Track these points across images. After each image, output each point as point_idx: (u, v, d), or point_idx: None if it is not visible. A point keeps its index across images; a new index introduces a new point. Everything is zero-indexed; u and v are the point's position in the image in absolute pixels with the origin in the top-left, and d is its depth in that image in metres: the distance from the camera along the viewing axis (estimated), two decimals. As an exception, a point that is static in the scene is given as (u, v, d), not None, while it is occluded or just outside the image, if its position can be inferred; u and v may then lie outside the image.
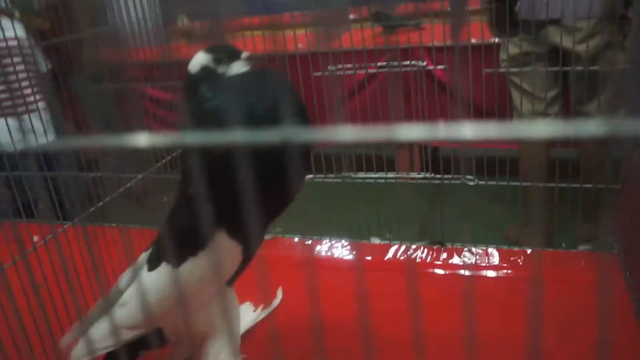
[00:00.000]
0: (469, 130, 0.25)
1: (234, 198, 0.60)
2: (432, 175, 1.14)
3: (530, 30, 1.48)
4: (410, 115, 1.34)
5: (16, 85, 1.52)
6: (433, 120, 2.16)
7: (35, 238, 1.37)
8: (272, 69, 0.68)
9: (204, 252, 0.64)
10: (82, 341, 0.72)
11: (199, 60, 0.67)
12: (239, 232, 0.65)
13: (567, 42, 1.42)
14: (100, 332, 0.70)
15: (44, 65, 1.91)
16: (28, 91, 1.73)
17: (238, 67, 0.68)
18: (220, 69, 0.67)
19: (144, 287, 0.69)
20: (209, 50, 0.67)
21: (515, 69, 1.52)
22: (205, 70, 0.66)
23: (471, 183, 1.08)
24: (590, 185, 1.05)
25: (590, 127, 0.23)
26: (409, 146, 2.94)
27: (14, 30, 1.36)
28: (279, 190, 0.61)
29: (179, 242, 0.63)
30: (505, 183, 1.09)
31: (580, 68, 1.37)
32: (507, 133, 0.26)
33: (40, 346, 0.81)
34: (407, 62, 1.17)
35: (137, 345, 0.71)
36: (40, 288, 0.77)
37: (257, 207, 0.62)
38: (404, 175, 1.17)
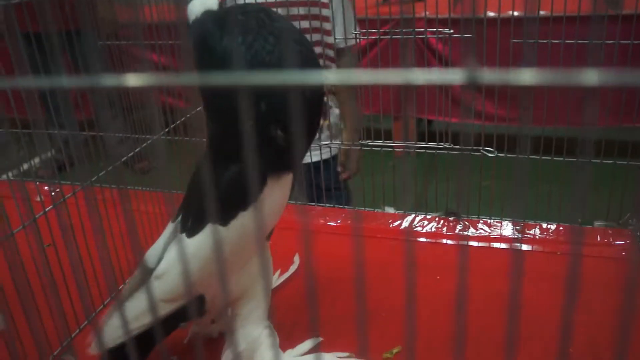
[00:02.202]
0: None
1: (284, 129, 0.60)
2: (451, 145, 1.13)
3: None
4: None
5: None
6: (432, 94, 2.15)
7: (38, 198, 1.35)
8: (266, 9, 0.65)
9: (255, 203, 0.63)
10: (110, 324, 0.68)
11: (202, 3, 0.63)
12: (289, 165, 0.66)
13: None
14: (134, 311, 0.66)
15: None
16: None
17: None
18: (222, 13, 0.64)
19: (187, 253, 0.66)
20: None
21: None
22: (209, 13, 0.62)
23: (491, 155, 1.07)
24: (610, 162, 1.04)
25: None
26: (404, 118, 2.92)
27: None
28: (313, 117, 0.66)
29: (226, 199, 0.62)
30: (525, 156, 1.07)
31: None
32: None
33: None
34: (433, 30, 1.14)
35: (173, 320, 0.68)
36: (48, 248, 0.76)
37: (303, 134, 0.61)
38: (422, 144, 1.15)
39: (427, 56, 2.54)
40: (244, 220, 0.64)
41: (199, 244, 0.65)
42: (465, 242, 0.94)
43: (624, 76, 0.19)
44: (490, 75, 0.20)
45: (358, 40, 1.34)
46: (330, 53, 1.41)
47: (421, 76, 0.20)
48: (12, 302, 0.67)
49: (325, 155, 1.37)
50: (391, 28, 2.19)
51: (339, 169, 1.44)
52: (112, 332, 0.66)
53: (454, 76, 0.20)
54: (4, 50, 0.80)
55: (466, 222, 1.13)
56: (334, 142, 1.33)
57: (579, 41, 1.09)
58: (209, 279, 0.66)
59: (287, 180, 0.68)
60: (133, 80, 0.24)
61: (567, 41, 1.09)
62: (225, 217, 0.64)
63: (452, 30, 1.12)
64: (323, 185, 1.30)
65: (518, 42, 1.08)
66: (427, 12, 1.53)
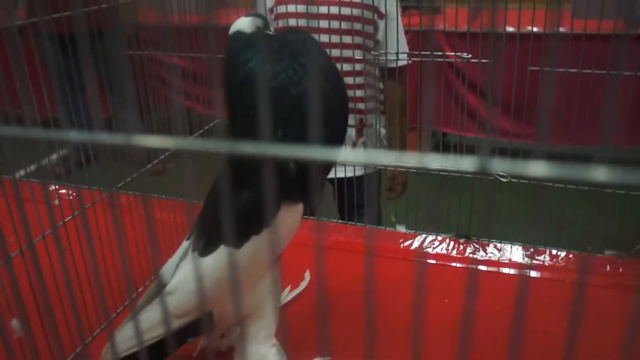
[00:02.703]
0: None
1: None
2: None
3: None
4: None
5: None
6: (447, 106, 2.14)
7: (56, 202, 1.37)
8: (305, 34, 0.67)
9: (268, 229, 0.65)
10: (122, 334, 0.70)
11: (249, 22, 0.64)
12: (304, 196, 0.67)
13: None
14: (146, 323, 0.68)
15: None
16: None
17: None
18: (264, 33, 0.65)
19: (200, 272, 0.68)
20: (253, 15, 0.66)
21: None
22: (240, 34, 0.63)
23: (504, 180, 1.08)
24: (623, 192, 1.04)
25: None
26: (418, 130, 2.92)
27: None
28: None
29: (240, 223, 0.63)
30: (536, 182, 1.08)
31: None
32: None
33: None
34: (450, 53, 1.15)
35: (182, 334, 0.70)
36: (65, 252, 0.78)
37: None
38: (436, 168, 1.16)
39: (444, 71, 2.55)
40: (256, 244, 0.66)
41: (211, 264, 0.67)
42: (475, 266, 0.95)
43: (631, 175, 0.21)
44: (501, 165, 0.21)
45: (409, 61, 1.35)
46: (371, 70, 1.40)
47: (436, 162, 0.21)
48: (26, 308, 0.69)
49: (354, 173, 1.37)
50: (409, 40, 2.18)
51: (386, 191, 1.43)
52: (124, 342, 0.68)
53: (467, 164, 0.21)
54: (27, 47, 0.80)
55: (476, 245, 1.14)
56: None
57: (597, 71, 1.09)
58: (218, 298, 0.68)
59: (299, 207, 0.70)
60: (165, 143, 0.25)
61: (584, 70, 1.10)
62: (238, 240, 0.66)
63: (470, 55, 1.12)
64: (346, 201, 1.30)
65: (535, 69, 1.09)
66: (446, 25, 1.52)
